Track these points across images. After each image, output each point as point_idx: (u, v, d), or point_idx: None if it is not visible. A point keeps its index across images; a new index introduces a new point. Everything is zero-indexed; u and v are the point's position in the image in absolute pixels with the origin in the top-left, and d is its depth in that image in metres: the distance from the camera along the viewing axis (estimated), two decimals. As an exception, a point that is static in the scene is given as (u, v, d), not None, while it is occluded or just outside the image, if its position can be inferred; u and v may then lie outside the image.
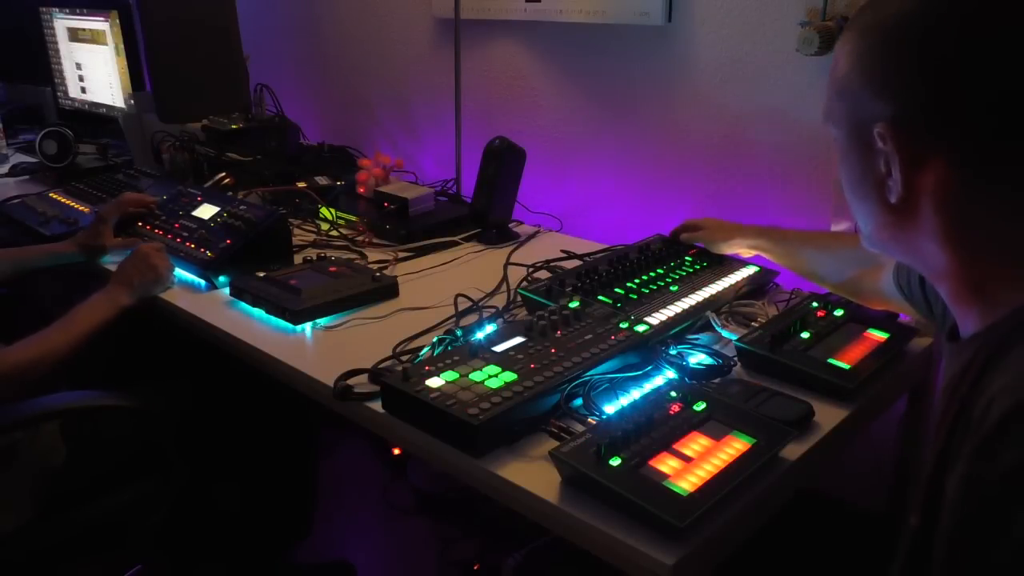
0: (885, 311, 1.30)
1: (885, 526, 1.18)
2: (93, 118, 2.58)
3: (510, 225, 1.88)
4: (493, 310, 1.44)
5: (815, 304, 1.34)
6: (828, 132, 0.81)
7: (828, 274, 1.34)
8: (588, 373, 1.12)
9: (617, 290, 1.41)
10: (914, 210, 0.74)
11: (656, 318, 1.31)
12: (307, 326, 1.38)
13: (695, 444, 0.97)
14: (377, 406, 1.12)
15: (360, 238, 1.82)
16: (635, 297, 1.39)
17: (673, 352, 1.22)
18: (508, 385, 1.05)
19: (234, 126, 2.24)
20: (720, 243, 1.54)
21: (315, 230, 1.90)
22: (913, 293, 1.12)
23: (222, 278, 1.56)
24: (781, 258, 1.43)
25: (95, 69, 2.48)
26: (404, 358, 1.23)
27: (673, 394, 1.07)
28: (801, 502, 1.14)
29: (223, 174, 2.07)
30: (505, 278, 1.58)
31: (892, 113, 0.72)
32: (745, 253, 1.53)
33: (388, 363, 1.22)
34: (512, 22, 2.10)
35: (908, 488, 1.44)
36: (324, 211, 1.95)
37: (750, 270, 1.53)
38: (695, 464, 0.93)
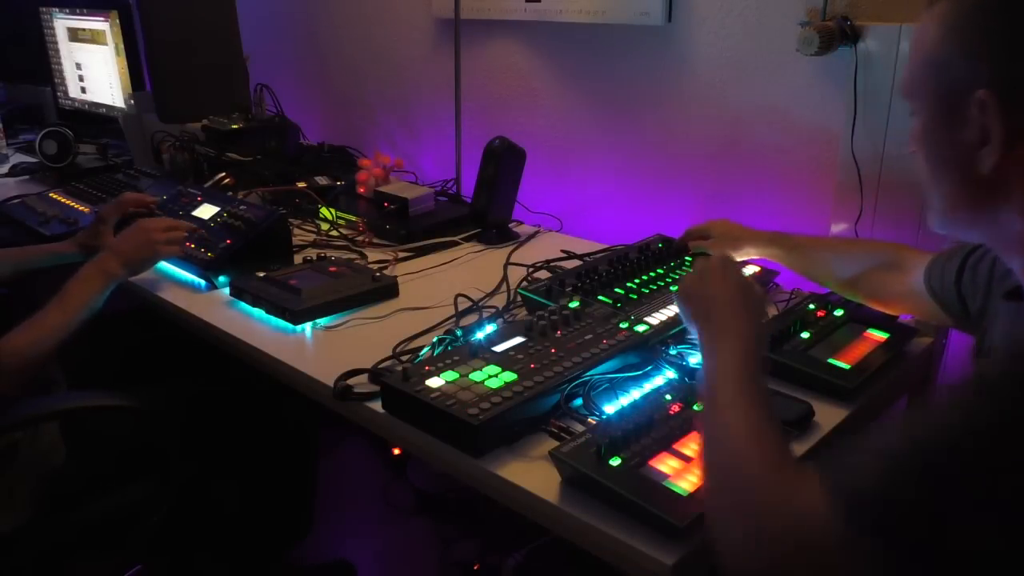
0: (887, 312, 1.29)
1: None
2: (93, 118, 2.58)
3: (510, 225, 1.88)
4: (493, 310, 1.44)
5: (815, 304, 1.34)
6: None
7: (846, 279, 1.31)
8: (588, 373, 1.12)
9: (617, 290, 1.41)
10: (1002, 181, 0.74)
11: (656, 318, 1.31)
12: (307, 326, 1.38)
13: (695, 444, 0.96)
14: (377, 406, 1.12)
15: (360, 238, 1.82)
16: (635, 297, 1.39)
17: (673, 352, 1.22)
18: (508, 385, 1.05)
19: (234, 126, 2.24)
20: (729, 252, 1.51)
21: (315, 230, 1.90)
22: (945, 291, 1.11)
23: (222, 278, 1.56)
24: (794, 264, 1.40)
25: (95, 69, 2.48)
26: (404, 358, 1.23)
27: (673, 394, 1.07)
28: None
29: (223, 174, 2.07)
30: (505, 278, 1.58)
31: (992, 79, 0.71)
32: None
33: (388, 363, 1.22)
34: (512, 22, 2.10)
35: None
36: (324, 211, 1.95)
37: (750, 270, 1.53)
38: (695, 464, 0.93)
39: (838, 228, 1.63)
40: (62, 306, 1.36)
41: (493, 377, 1.08)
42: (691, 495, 0.88)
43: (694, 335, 0.98)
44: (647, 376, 1.17)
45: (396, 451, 2.29)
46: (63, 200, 2.07)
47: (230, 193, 1.93)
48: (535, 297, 1.40)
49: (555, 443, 0.99)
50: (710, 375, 0.87)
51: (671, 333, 1.28)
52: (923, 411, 0.71)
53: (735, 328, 0.90)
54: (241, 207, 1.72)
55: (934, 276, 1.13)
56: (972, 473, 0.63)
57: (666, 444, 0.96)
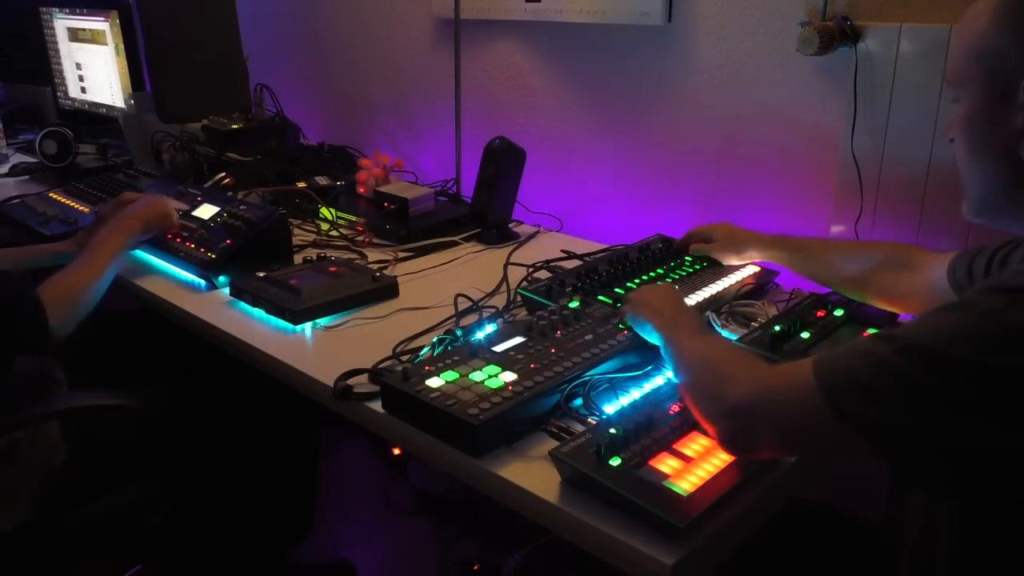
0: (887, 312, 1.29)
1: (881, 535, 1.18)
2: (93, 118, 2.57)
3: (510, 225, 1.88)
4: (493, 310, 1.44)
5: (815, 304, 1.34)
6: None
7: (854, 280, 1.31)
8: (588, 373, 1.12)
9: (617, 290, 1.41)
10: None
11: (656, 318, 1.31)
12: (307, 326, 1.38)
13: (695, 444, 0.97)
14: (377, 406, 1.12)
15: (360, 238, 1.82)
16: (635, 297, 1.39)
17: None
18: (508, 385, 1.05)
19: (234, 126, 2.24)
20: (732, 256, 1.51)
21: (315, 230, 1.90)
22: (974, 285, 1.11)
23: (222, 278, 1.56)
24: (800, 267, 1.40)
25: (95, 69, 2.48)
26: (404, 358, 1.23)
27: (673, 394, 1.07)
28: (796, 511, 1.14)
29: (223, 174, 2.07)
30: (505, 278, 1.58)
31: None
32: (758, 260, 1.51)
33: (388, 363, 1.22)
34: (512, 22, 2.10)
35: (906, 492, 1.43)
36: (324, 211, 1.95)
37: (750, 270, 1.53)
38: (695, 464, 0.93)
39: (838, 228, 1.63)
40: (90, 258, 1.46)
41: (493, 377, 1.08)
42: (691, 495, 0.88)
43: (649, 333, 1.15)
44: (647, 376, 1.17)
45: (396, 451, 2.29)
46: (63, 200, 2.07)
47: (230, 193, 1.93)
48: (535, 297, 1.40)
49: (555, 443, 0.99)
50: (673, 342, 1.06)
51: (671, 333, 1.28)
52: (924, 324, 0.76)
53: (673, 309, 1.14)
54: (241, 207, 1.72)
55: (960, 271, 1.13)
56: (932, 369, 0.70)
57: (666, 444, 0.96)
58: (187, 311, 1.48)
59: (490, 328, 1.24)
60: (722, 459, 0.94)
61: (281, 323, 1.39)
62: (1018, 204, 0.81)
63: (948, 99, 0.87)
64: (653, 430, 0.98)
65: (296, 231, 1.86)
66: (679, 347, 1.04)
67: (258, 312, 1.43)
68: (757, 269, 1.53)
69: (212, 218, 1.72)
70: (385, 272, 1.58)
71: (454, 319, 1.39)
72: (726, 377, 0.90)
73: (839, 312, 1.32)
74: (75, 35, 2.51)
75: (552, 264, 1.64)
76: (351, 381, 1.18)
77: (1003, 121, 0.78)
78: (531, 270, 1.60)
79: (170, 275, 1.64)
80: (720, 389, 0.90)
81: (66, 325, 1.37)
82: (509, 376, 1.08)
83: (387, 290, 1.50)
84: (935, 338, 0.71)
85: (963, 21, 0.83)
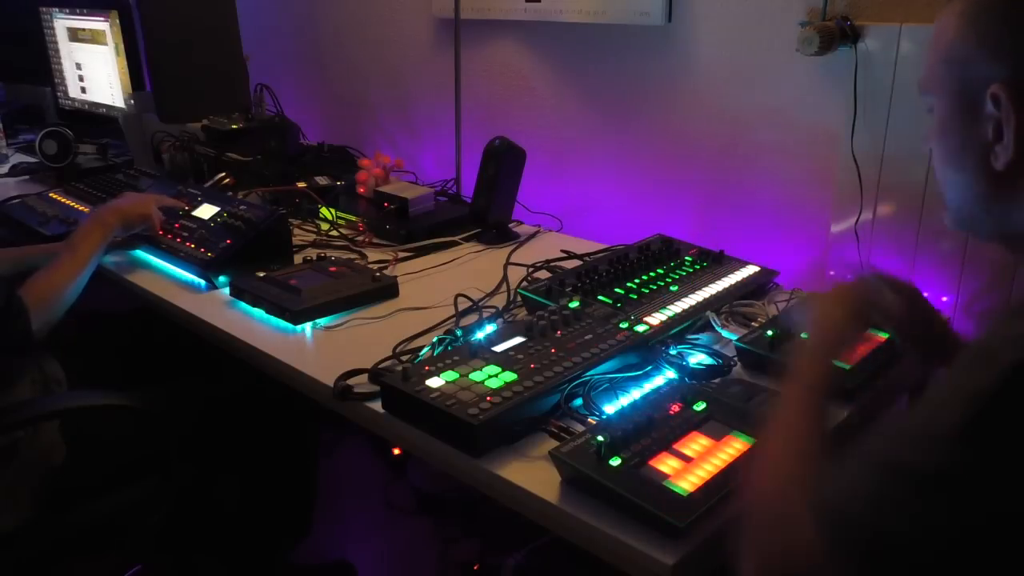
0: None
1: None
2: (93, 118, 2.57)
3: (510, 225, 1.88)
4: (493, 310, 1.44)
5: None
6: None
7: None
8: (588, 373, 1.12)
9: (617, 290, 1.41)
10: (1016, 178, 0.75)
11: (656, 318, 1.31)
12: (307, 326, 1.38)
13: (695, 444, 0.97)
14: (377, 406, 1.12)
15: (360, 238, 1.82)
16: (635, 297, 1.39)
17: (673, 352, 1.22)
18: (508, 385, 1.05)
19: (234, 126, 2.24)
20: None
21: (315, 230, 1.90)
22: None
23: (222, 278, 1.56)
24: None
25: (95, 69, 2.48)
26: (404, 358, 1.23)
27: (673, 394, 1.07)
28: None
29: (223, 174, 2.07)
30: (505, 278, 1.58)
31: (1009, 74, 0.72)
32: None
33: (388, 363, 1.22)
34: (512, 22, 2.11)
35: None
36: (324, 211, 1.95)
37: (750, 270, 1.53)
38: (695, 464, 0.93)
39: (838, 228, 1.63)
40: (71, 256, 1.49)
41: (493, 377, 1.08)
42: (691, 495, 0.88)
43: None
44: (647, 376, 1.17)
45: (396, 451, 2.28)
46: (63, 200, 2.07)
47: (230, 193, 1.93)
48: (535, 297, 1.40)
49: (555, 443, 0.99)
50: (784, 387, 0.90)
51: (671, 333, 1.29)
52: (912, 420, 0.70)
53: (820, 347, 0.95)
54: (241, 207, 1.72)
55: None
56: (956, 500, 0.63)
57: (666, 444, 0.96)
58: (187, 311, 1.48)
59: (490, 328, 1.24)
60: (722, 459, 0.94)
61: (281, 323, 1.39)
62: (994, 216, 0.80)
63: (923, 109, 0.85)
64: (653, 430, 0.98)
65: (296, 231, 1.86)
66: (779, 406, 0.89)
67: (258, 312, 1.43)
68: (757, 269, 1.53)
69: (212, 218, 1.72)
70: (385, 272, 1.58)
71: (454, 319, 1.39)
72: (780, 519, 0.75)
73: (839, 312, 1.31)
74: (75, 35, 2.51)
75: (552, 264, 1.64)
76: (351, 381, 1.18)
77: (974, 130, 0.77)
78: (531, 270, 1.60)
79: (170, 275, 1.64)
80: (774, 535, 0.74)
81: (48, 323, 1.39)
82: (509, 376, 1.08)
83: (387, 290, 1.50)
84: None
85: (934, 28, 0.82)
